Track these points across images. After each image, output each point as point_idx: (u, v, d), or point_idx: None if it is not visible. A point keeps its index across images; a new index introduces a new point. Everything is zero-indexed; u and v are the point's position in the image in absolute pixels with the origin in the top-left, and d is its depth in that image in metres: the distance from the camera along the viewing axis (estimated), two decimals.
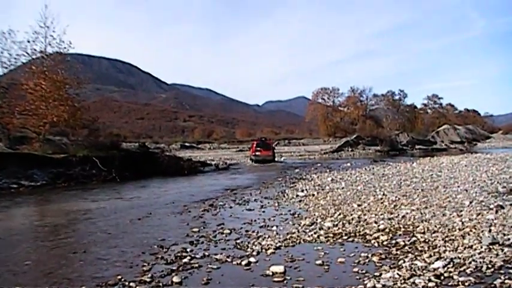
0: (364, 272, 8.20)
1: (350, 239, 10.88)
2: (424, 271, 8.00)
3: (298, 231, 11.82)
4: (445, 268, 8.08)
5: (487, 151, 56.60)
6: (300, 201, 17.35)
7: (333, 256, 9.37)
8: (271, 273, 8.29)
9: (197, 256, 9.64)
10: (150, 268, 8.85)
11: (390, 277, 7.75)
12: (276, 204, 16.86)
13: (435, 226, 11.63)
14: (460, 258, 8.64)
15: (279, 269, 8.40)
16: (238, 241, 11.05)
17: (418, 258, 8.86)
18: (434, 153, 53.59)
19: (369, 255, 9.25)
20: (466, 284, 7.36)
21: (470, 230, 10.96)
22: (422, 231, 11.22)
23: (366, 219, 12.89)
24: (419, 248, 9.67)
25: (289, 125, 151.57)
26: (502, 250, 9.15)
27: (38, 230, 13.79)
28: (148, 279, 8.08)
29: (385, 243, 10.33)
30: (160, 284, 7.85)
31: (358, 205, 15.28)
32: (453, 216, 12.65)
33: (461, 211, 13.34)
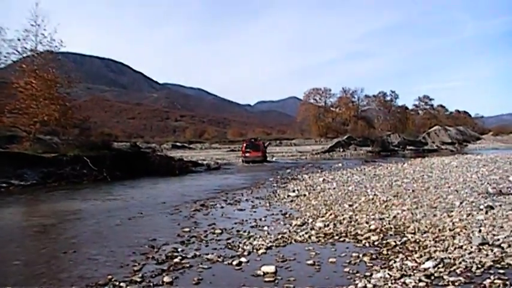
0: (355, 272, 8.20)
1: (341, 239, 10.87)
2: (415, 271, 8.01)
3: (290, 231, 11.81)
4: (436, 268, 8.09)
5: (477, 152, 56.87)
6: (292, 201, 17.34)
7: (324, 256, 9.37)
8: (262, 273, 8.27)
9: (188, 256, 9.60)
10: (140, 268, 8.80)
11: (381, 277, 7.75)
12: (268, 204, 16.85)
13: (426, 226, 11.66)
14: (450, 259, 8.66)
15: (270, 269, 8.38)
16: (229, 241, 11.01)
17: (409, 258, 8.87)
18: (426, 154, 53.74)
19: (360, 255, 9.25)
20: (456, 284, 7.38)
21: (461, 231, 10.99)
22: (413, 231, 11.24)
23: (357, 220, 12.90)
24: (410, 248, 9.68)
25: (280, 125, 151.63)
26: (492, 250, 9.18)
27: (28, 229, 13.73)
28: (138, 279, 8.03)
29: (376, 243, 10.33)
30: (151, 284, 7.81)
31: (350, 205, 15.29)
32: (444, 217, 12.69)
33: (451, 211, 13.38)
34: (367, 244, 10.31)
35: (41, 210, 17.51)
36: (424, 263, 8.38)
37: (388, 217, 13.03)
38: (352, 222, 12.58)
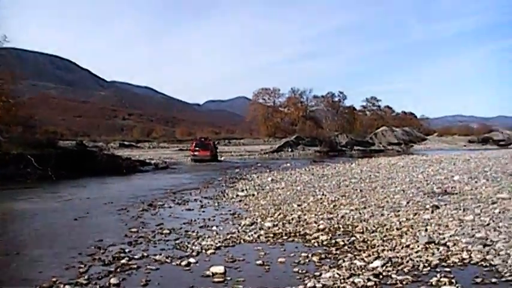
0: (304, 271, 8.21)
1: (290, 239, 10.90)
2: (363, 270, 8.08)
3: (239, 231, 11.77)
4: (384, 267, 8.18)
5: (423, 153, 58.05)
6: (240, 201, 17.33)
7: (274, 256, 9.35)
8: (211, 274, 8.19)
9: (135, 257, 9.41)
10: (86, 270, 8.57)
11: (330, 277, 7.78)
12: (216, 204, 16.78)
13: (373, 226, 11.81)
14: (398, 258, 8.78)
15: (219, 269, 8.31)
16: (177, 241, 10.88)
17: (357, 257, 8.95)
18: (373, 154, 54.57)
19: (309, 255, 9.27)
20: (404, 282, 7.47)
21: (408, 230, 11.17)
22: (361, 230, 11.36)
23: (305, 219, 12.96)
24: (358, 248, 9.78)
25: (229, 125, 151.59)
26: (438, 249, 9.37)
27: None
28: (84, 281, 7.81)
29: (325, 243, 10.38)
30: (98, 286, 7.60)
31: (298, 205, 15.36)
32: (391, 216, 12.89)
33: (398, 211, 13.60)
34: (316, 244, 10.35)
35: None
36: (372, 262, 8.47)
37: (336, 217, 13.15)
38: (301, 222, 12.63)
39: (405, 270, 8.08)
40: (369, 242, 10.19)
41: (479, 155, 45.16)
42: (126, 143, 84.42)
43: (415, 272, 7.96)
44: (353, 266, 8.34)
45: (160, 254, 9.57)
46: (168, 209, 16.00)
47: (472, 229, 10.97)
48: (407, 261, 8.53)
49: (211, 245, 10.38)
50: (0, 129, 33.09)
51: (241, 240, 10.90)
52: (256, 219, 13.24)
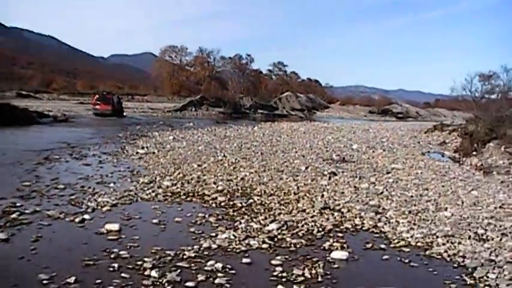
0: (200, 232, 8.16)
1: (188, 199, 10.80)
2: (259, 233, 8.14)
3: (136, 189, 11.51)
4: (279, 230, 8.29)
5: (324, 120, 59.18)
6: (140, 158, 16.95)
7: (170, 215, 9.25)
8: (105, 231, 7.98)
9: (27, 212, 8.98)
10: None
11: (226, 238, 7.78)
12: (115, 161, 16.33)
13: (272, 189, 11.93)
14: (293, 221, 8.91)
15: (114, 227, 8.12)
16: (72, 197, 10.46)
17: (254, 220, 9.00)
18: (276, 119, 55.03)
19: (206, 216, 9.24)
20: (298, 246, 7.58)
21: (305, 195, 11.37)
22: (259, 193, 11.44)
23: (205, 180, 12.88)
24: (256, 210, 9.83)
25: (134, 80, 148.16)
26: (333, 214, 9.61)
27: None
28: None
29: (222, 204, 10.38)
30: None
31: (199, 165, 15.25)
32: (289, 181, 13.07)
33: (297, 176, 13.82)
34: (214, 205, 10.32)
35: None
36: (268, 225, 8.55)
37: (236, 179, 13.17)
38: (200, 183, 12.54)
39: (300, 234, 8.21)
40: (266, 205, 10.27)
41: (378, 126, 46.71)
42: (24, 92, 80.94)
43: (309, 236, 8.11)
44: (249, 228, 8.39)
45: (54, 210, 9.19)
46: (65, 164, 15.38)
47: (367, 197, 11.36)
48: (302, 226, 8.67)
49: (108, 202, 10.09)
50: None
51: (139, 198, 10.67)
52: (155, 178, 12.99)
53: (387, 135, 32.72)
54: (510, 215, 9.86)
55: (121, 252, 6.93)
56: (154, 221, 8.81)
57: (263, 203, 10.51)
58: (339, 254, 7.20)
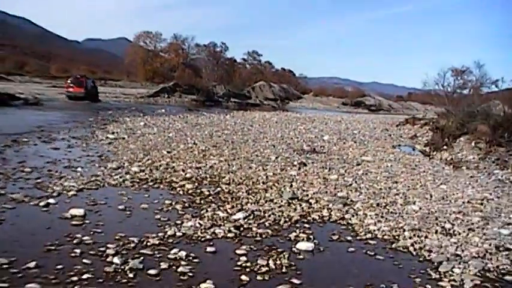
0: (166, 219, 8.08)
1: (156, 186, 10.70)
2: (225, 221, 8.09)
3: (104, 174, 11.36)
4: (246, 220, 8.24)
5: (297, 110, 59.29)
6: (109, 143, 16.76)
7: (137, 202, 9.14)
8: (70, 216, 7.84)
9: None
10: None
11: (191, 226, 7.72)
12: (84, 145, 16.13)
13: (240, 178, 11.88)
14: (260, 211, 8.87)
15: (79, 212, 7.98)
16: (38, 180, 10.28)
17: (221, 208, 8.95)
18: (248, 108, 54.92)
19: (173, 203, 9.16)
20: (264, 236, 7.54)
21: (273, 184, 11.35)
22: (228, 182, 11.39)
23: (174, 167, 12.79)
24: (223, 199, 9.78)
25: (107, 65, 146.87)
26: (300, 205, 9.58)
27: None
28: None
29: (190, 191, 10.30)
30: None
31: (168, 152, 15.14)
32: (259, 170, 13.04)
33: (266, 165, 13.80)
34: (181, 192, 10.24)
35: None
36: (235, 214, 8.50)
37: (205, 166, 13.09)
38: (169, 169, 12.45)
39: (266, 224, 8.18)
40: (234, 194, 10.22)
41: (351, 117, 46.92)
42: None
43: (276, 227, 8.07)
44: (215, 217, 8.33)
45: (19, 193, 9.00)
46: (34, 147, 15.13)
47: (335, 188, 11.36)
48: (269, 215, 8.64)
49: (74, 186, 9.93)
50: None
51: (106, 184, 10.53)
52: (123, 163, 12.84)
53: (359, 127, 32.87)
54: (478, 210, 9.94)
55: (84, 238, 6.82)
56: (120, 207, 8.69)
57: (231, 191, 10.46)
58: (304, 245, 7.17)
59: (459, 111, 24.44)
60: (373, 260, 6.99)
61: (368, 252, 7.24)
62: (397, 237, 7.93)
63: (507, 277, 6.42)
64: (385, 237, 7.93)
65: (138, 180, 11.01)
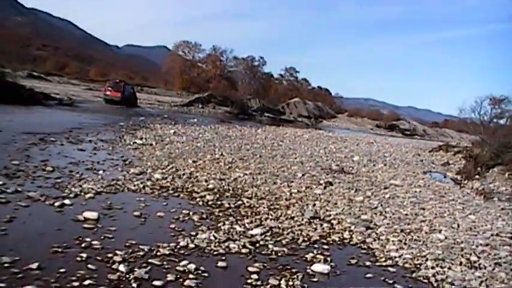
0: (180, 229, 7.87)
1: (176, 194, 10.50)
2: (241, 236, 7.85)
3: (125, 179, 11.19)
4: (263, 236, 7.98)
5: (330, 129, 58.84)
6: (136, 148, 16.65)
7: (153, 209, 8.94)
8: (83, 219, 7.69)
9: (8, 191, 8.67)
10: None
11: (205, 238, 7.49)
12: (110, 148, 16.05)
13: (263, 193, 11.63)
14: (279, 228, 8.61)
15: (92, 215, 7.82)
16: (58, 180, 10.15)
17: (239, 222, 8.71)
18: (281, 123, 54.63)
19: (190, 213, 8.94)
20: (279, 254, 7.29)
21: (296, 202, 11.07)
22: (250, 196, 11.15)
23: (197, 177, 12.58)
24: (243, 213, 9.53)
25: (145, 72, 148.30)
26: (321, 225, 9.29)
27: None
28: None
29: (210, 203, 10.07)
30: None
31: (194, 161, 14.95)
32: (283, 186, 12.78)
33: (292, 182, 13.52)
34: (200, 203, 10.01)
35: None
36: (252, 230, 8.24)
37: (229, 178, 12.87)
38: (192, 179, 12.24)
39: (284, 242, 7.91)
40: (254, 209, 9.97)
41: (383, 140, 46.31)
42: (35, 73, 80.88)
43: (293, 245, 7.81)
44: (232, 231, 8.09)
45: (36, 192, 8.88)
46: (60, 146, 15.07)
47: (359, 210, 11.02)
48: (287, 233, 8.37)
49: (92, 189, 9.78)
50: None
51: (125, 189, 10.38)
52: (147, 169, 12.68)
53: (391, 150, 32.35)
54: (506, 244, 9.50)
55: (93, 242, 6.65)
56: (136, 213, 8.50)
57: (252, 206, 10.21)
58: (320, 267, 6.88)
59: (494, 141, 23.87)
60: None
61: (386, 279, 6.90)
62: (418, 266, 7.58)
63: None
64: (406, 265, 7.58)
65: (158, 187, 10.82)
